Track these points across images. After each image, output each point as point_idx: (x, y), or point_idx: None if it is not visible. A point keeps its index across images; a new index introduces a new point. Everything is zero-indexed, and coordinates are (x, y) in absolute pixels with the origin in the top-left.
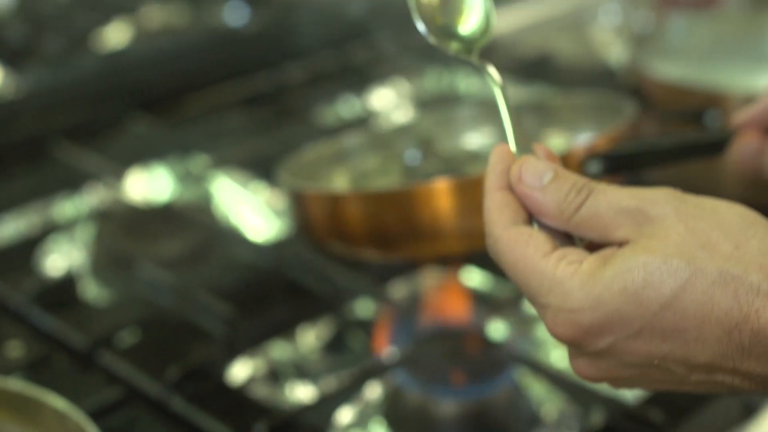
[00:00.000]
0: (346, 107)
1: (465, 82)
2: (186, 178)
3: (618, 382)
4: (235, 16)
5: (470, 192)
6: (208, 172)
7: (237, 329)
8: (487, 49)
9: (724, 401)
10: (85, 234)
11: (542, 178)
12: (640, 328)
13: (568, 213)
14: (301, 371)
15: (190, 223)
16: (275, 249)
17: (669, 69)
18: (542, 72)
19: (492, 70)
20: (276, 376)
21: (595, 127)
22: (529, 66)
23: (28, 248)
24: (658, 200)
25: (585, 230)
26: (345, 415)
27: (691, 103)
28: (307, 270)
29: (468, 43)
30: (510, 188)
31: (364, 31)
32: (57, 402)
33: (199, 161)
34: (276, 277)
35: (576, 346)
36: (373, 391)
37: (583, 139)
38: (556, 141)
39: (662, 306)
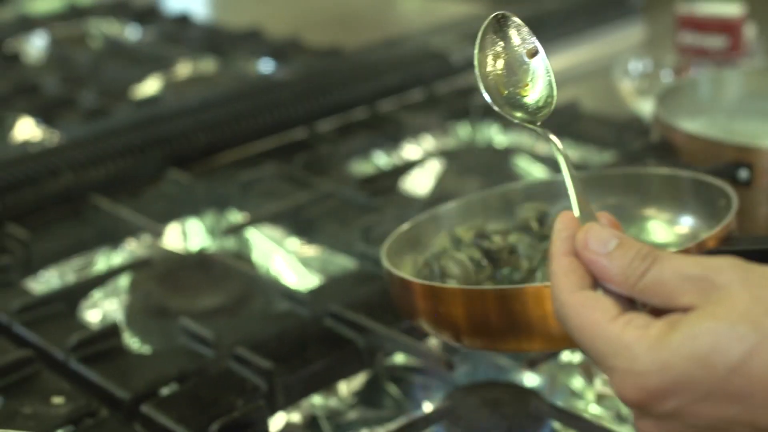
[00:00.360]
0: (379, 159)
1: (494, 137)
2: (221, 233)
3: None
4: (266, 70)
5: None
6: (243, 227)
7: (277, 382)
8: None
9: None
10: (124, 287)
11: (607, 245)
12: (708, 392)
13: (633, 279)
14: (341, 425)
15: (228, 275)
16: (311, 301)
17: (695, 124)
18: (569, 122)
19: (554, 138)
20: (316, 429)
21: (695, 210)
22: (556, 115)
23: (68, 301)
24: (723, 268)
25: (649, 296)
26: None
27: (722, 158)
28: (344, 323)
29: (532, 112)
30: (576, 254)
31: (395, 85)
32: None
33: (233, 217)
34: (313, 329)
35: (642, 408)
36: None
37: (685, 226)
38: (656, 224)
39: (730, 370)
